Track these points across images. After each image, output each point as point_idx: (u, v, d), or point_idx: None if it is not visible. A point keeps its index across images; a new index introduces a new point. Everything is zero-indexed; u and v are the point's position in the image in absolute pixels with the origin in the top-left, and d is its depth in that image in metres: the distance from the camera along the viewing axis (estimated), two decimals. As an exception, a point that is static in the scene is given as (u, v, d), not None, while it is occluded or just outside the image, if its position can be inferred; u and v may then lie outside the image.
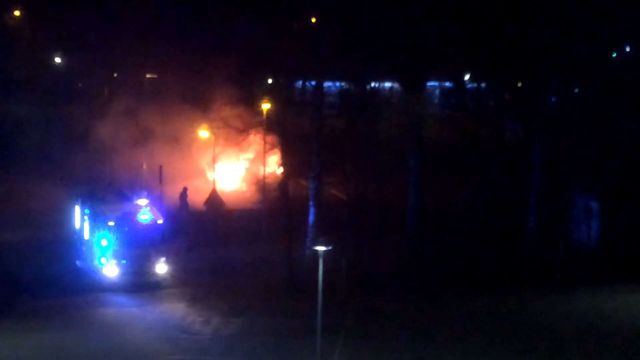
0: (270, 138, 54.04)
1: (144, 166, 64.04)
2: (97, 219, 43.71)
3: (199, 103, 61.58)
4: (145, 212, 43.47)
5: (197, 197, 56.18)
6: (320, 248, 30.24)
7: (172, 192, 58.47)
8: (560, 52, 45.67)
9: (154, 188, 54.17)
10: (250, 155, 64.34)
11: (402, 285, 43.95)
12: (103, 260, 42.30)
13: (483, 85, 60.94)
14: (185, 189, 54.73)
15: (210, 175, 61.02)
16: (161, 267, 42.68)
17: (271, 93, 52.53)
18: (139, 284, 42.06)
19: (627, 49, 56.83)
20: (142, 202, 44.45)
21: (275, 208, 51.27)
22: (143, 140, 64.63)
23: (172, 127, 63.14)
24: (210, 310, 39.25)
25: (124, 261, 42.11)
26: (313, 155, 47.84)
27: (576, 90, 49.69)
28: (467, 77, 65.36)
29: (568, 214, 46.84)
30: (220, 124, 56.07)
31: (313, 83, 50.02)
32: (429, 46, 49.01)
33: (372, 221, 50.71)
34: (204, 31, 61.93)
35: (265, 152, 55.25)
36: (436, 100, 71.09)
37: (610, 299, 41.47)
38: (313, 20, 50.48)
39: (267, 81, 58.29)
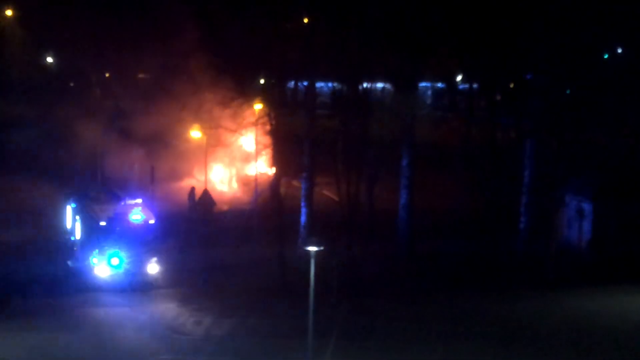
0: (263, 138, 54.05)
1: (136, 166, 63.96)
2: (88, 219, 43.63)
3: (191, 103, 61.52)
4: (136, 212, 43.46)
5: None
6: (312, 248, 30.23)
7: (163, 192, 58.51)
8: (552, 52, 45.76)
9: (146, 188, 54.08)
10: (242, 155, 64.33)
11: (394, 285, 43.97)
12: (94, 260, 42.24)
13: (475, 86, 61.09)
14: (193, 189, 54.57)
15: (201, 176, 60.97)
16: (153, 267, 42.64)
17: (263, 93, 52.55)
18: (131, 284, 42.00)
19: (619, 50, 56.99)
20: (134, 202, 44.40)
21: (267, 208, 51.30)
22: (134, 140, 64.53)
23: (164, 128, 63.06)
24: (202, 311, 39.21)
25: (115, 261, 42.06)
26: (305, 155, 47.88)
27: (568, 92, 49.79)
28: (459, 78, 65.51)
29: (559, 214, 46.92)
30: (213, 124, 56.05)
31: (305, 83, 50.07)
32: (421, 47, 49.05)
33: (364, 221, 50.74)
34: (197, 32, 61.82)
35: (257, 152, 55.24)
36: (428, 101, 71.27)
37: (601, 300, 41.53)
38: (305, 20, 50.50)
39: (259, 81, 58.32)
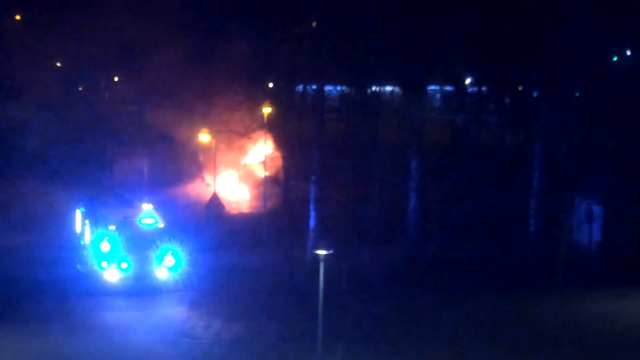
0: (272, 142, 54.08)
1: (145, 170, 64.07)
2: (98, 223, 43.71)
3: (200, 107, 61.60)
4: (146, 215, 43.56)
5: (199, 201, 56.24)
6: (321, 252, 30.25)
7: (173, 196, 58.57)
8: (561, 55, 45.72)
9: (155, 192, 54.18)
10: (251, 159, 64.38)
11: (403, 288, 43.92)
12: (104, 264, 42.31)
13: (484, 89, 61.08)
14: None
15: (211, 179, 61.09)
16: (162, 271, 42.67)
17: (272, 97, 52.55)
18: (140, 288, 42.04)
19: (628, 53, 56.91)
20: (144, 206, 44.49)
21: (276, 212, 51.32)
22: (144, 144, 64.67)
23: (173, 131, 63.18)
24: (211, 315, 39.22)
25: (125, 265, 42.12)
26: (314, 158, 47.87)
27: (577, 94, 49.75)
28: (467, 81, 65.48)
29: (569, 217, 46.86)
30: (222, 128, 56.10)
31: (314, 87, 50.09)
32: (429, 51, 49.03)
33: (373, 225, 50.73)
34: (206, 35, 61.90)
35: (266, 156, 55.27)
36: (437, 104, 71.25)
37: (611, 303, 41.44)
38: (314, 24, 50.53)
39: (268, 85, 58.34)
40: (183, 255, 43.88)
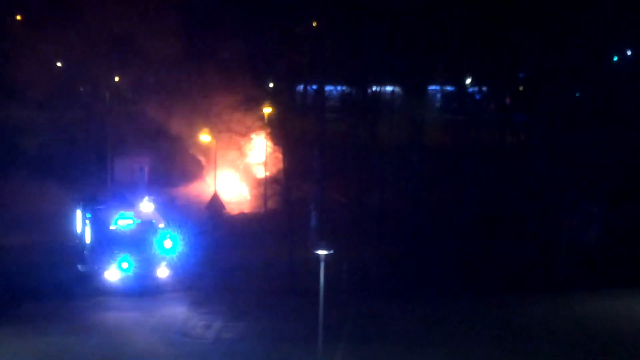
0: (272, 142, 54.07)
1: (145, 170, 64.04)
2: (98, 223, 43.71)
3: (201, 107, 61.61)
4: (147, 215, 43.56)
5: (199, 201, 56.23)
6: (322, 252, 30.25)
7: (173, 196, 58.54)
8: (562, 55, 45.77)
9: (156, 192, 54.10)
10: (251, 158, 64.39)
11: (404, 288, 43.94)
12: (104, 264, 42.31)
13: (484, 89, 61.04)
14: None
15: (211, 179, 61.08)
16: (163, 271, 42.68)
17: (272, 97, 52.59)
18: (141, 288, 42.06)
19: (629, 53, 56.93)
20: (145, 205, 44.50)
21: (277, 212, 51.32)
22: (145, 144, 64.67)
23: (174, 131, 63.19)
24: (212, 314, 39.25)
25: (125, 265, 42.13)
26: (314, 159, 47.88)
27: (577, 94, 49.76)
28: (468, 81, 65.43)
29: (569, 217, 46.85)
30: (222, 128, 56.09)
31: (314, 87, 50.13)
32: (430, 50, 49.07)
33: (373, 225, 50.72)
34: (206, 35, 61.91)
35: (266, 156, 55.27)
36: (437, 104, 71.20)
37: (611, 303, 41.46)
38: (314, 24, 50.57)
39: (268, 85, 58.36)
40: (183, 255, 43.91)
